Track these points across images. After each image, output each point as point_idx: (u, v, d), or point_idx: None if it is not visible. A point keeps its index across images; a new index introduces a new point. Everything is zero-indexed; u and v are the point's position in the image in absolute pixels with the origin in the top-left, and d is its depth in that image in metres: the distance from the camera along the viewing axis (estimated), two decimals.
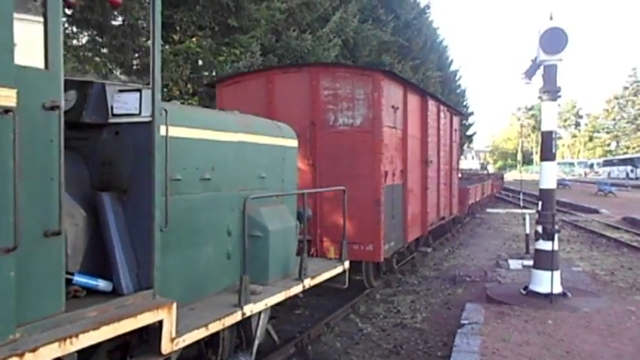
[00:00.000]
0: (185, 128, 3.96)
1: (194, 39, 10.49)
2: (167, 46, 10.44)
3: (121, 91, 3.49)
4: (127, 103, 3.45)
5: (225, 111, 5.39)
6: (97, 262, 3.24)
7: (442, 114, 11.76)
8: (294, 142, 5.82)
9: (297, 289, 4.84)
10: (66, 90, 2.85)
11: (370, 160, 7.54)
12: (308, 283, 5.02)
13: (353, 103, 7.58)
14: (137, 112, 3.42)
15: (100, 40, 9.74)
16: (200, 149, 4.16)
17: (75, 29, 10.11)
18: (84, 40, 10.18)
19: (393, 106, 8.12)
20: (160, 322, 3.10)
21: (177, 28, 10.71)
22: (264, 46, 11.81)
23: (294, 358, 5.93)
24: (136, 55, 10.07)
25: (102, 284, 3.13)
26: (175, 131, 3.77)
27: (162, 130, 3.43)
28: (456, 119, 14.10)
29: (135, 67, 10.26)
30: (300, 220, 5.50)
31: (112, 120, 3.49)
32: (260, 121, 5.44)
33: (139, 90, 3.43)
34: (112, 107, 3.49)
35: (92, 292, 3.08)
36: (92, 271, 3.16)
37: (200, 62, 10.72)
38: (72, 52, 9.53)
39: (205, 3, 10.43)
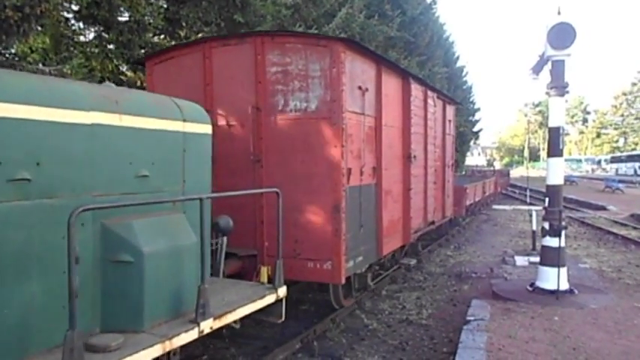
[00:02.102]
0: None
1: (200, 35, 10.50)
2: (173, 43, 10.45)
3: None
4: None
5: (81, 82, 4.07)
6: None
7: (431, 101, 10.08)
8: (203, 128, 4.50)
9: (187, 337, 3.46)
10: None
11: (328, 154, 6.01)
12: (208, 325, 3.61)
13: (307, 82, 6.09)
14: None
15: (107, 36, 9.75)
16: (6, 134, 2.86)
17: (82, 25, 10.15)
18: (90, 37, 10.21)
19: (360, 87, 6.60)
20: None
21: (184, 24, 10.72)
22: None
23: (300, 353, 5.95)
24: (143, 51, 10.07)
25: None
26: None
27: None
28: (450, 108, 12.32)
29: None
30: (223, 232, 4.51)
31: None
32: (142, 96, 4.17)
33: None
34: None
35: None
36: None
37: None
38: (79, 49, 9.56)
39: None
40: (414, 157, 8.80)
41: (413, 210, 8.77)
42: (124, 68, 10.17)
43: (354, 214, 6.43)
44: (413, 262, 9.48)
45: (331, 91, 6.00)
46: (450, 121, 12.28)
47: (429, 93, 10.00)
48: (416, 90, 8.98)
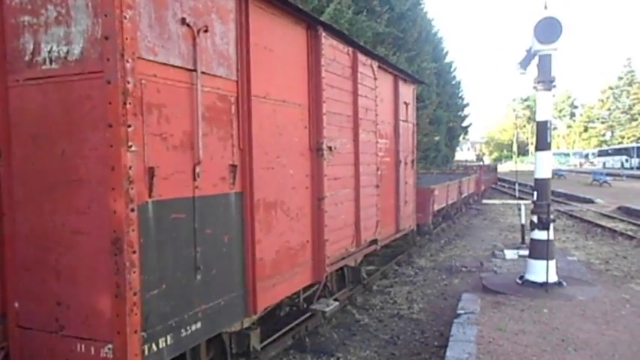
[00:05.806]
0: None
1: None
2: None
3: None
4: None
5: None
6: None
7: (366, 70, 7.06)
8: None
9: None
10: None
11: (99, 141, 3.22)
12: None
13: (67, 5, 3.30)
14: None
15: None
16: None
17: None
18: None
19: (185, 22, 3.65)
20: None
21: None
22: None
23: (292, 349, 5.95)
24: None
25: None
26: None
27: None
28: (406, 87, 9.23)
29: None
30: None
31: None
32: None
33: None
34: None
35: None
36: None
37: None
38: None
39: None
40: (330, 149, 5.90)
41: (330, 229, 5.86)
42: None
43: (171, 250, 3.57)
44: (330, 307, 6.11)
45: (102, 20, 3.13)
46: (406, 103, 9.25)
47: (362, 58, 6.92)
48: (332, 49, 6.03)
